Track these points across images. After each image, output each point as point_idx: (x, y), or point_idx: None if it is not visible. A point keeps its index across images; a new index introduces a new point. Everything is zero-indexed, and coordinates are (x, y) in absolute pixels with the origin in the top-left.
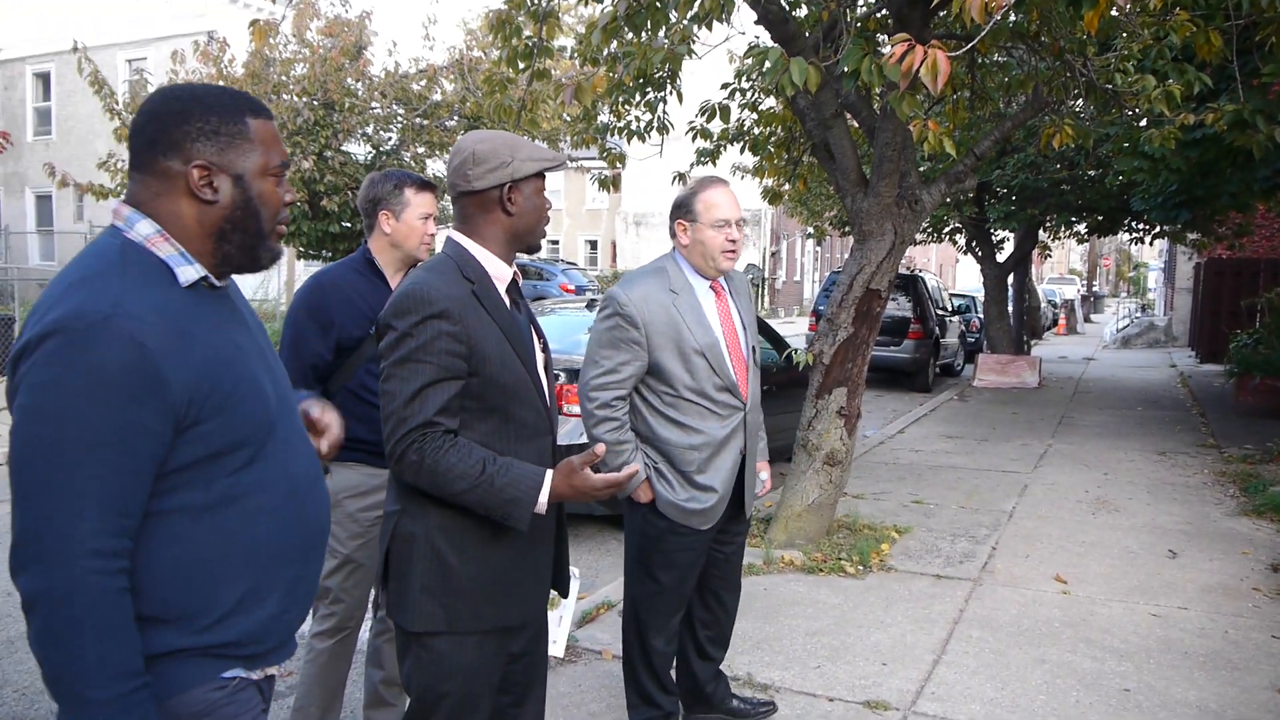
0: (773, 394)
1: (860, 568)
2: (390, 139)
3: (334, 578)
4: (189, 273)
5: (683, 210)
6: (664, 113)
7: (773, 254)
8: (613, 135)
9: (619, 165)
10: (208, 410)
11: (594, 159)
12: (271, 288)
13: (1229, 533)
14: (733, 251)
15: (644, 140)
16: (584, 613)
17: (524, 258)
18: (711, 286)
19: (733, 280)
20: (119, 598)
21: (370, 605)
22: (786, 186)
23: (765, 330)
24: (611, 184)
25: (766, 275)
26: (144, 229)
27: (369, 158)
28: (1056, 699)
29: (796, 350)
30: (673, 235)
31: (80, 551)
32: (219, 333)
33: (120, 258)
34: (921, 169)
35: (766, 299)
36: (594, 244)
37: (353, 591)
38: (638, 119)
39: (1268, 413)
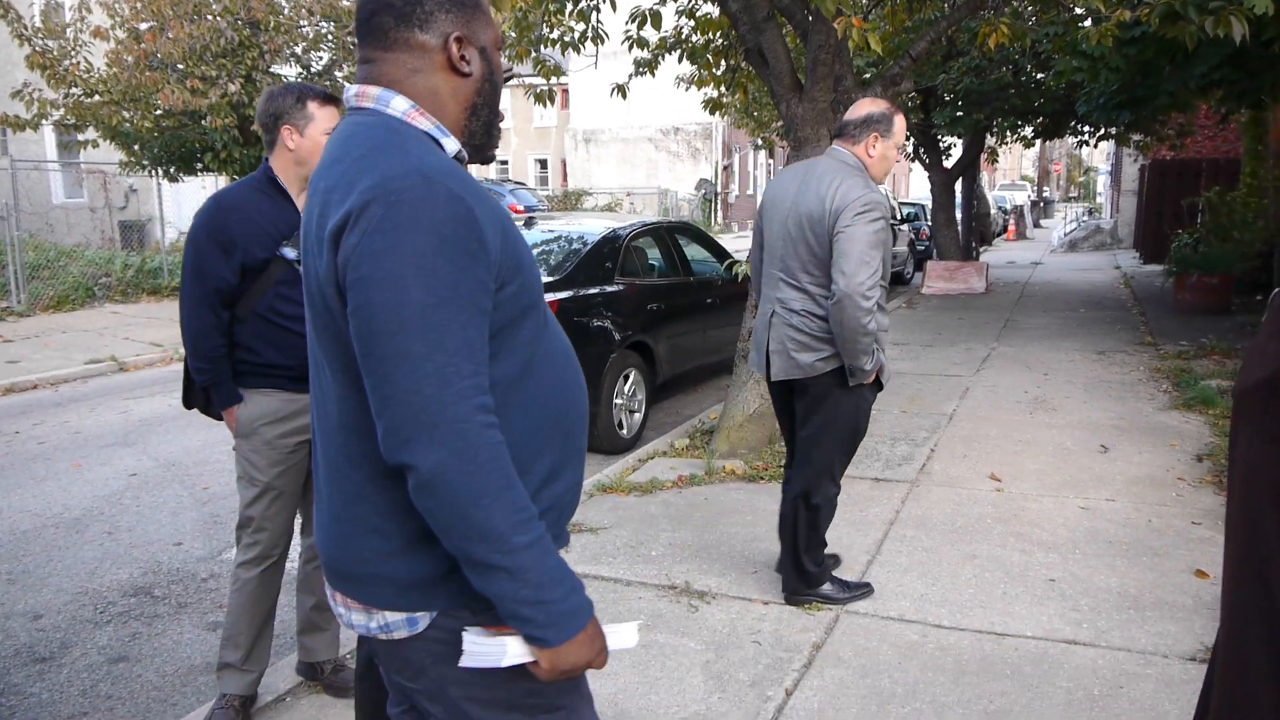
0: (718, 307)
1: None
2: (322, 59)
3: (255, 506)
4: (451, 144)
5: (883, 125)
6: (598, 22)
7: (724, 168)
8: (548, 47)
9: (555, 78)
10: (509, 270)
11: (534, 75)
12: None
13: (1160, 426)
14: None
15: (579, 51)
16: None
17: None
18: None
19: None
20: (505, 450)
21: (299, 532)
22: (728, 96)
23: (708, 242)
24: (548, 98)
25: (719, 190)
26: (400, 104)
27: (300, 80)
28: (984, 591)
29: (740, 262)
30: (854, 141)
31: (471, 408)
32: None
33: (390, 131)
34: (865, 76)
35: (719, 214)
36: (544, 163)
37: (275, 519)
38: (571, 29)
39: (1204, 310)
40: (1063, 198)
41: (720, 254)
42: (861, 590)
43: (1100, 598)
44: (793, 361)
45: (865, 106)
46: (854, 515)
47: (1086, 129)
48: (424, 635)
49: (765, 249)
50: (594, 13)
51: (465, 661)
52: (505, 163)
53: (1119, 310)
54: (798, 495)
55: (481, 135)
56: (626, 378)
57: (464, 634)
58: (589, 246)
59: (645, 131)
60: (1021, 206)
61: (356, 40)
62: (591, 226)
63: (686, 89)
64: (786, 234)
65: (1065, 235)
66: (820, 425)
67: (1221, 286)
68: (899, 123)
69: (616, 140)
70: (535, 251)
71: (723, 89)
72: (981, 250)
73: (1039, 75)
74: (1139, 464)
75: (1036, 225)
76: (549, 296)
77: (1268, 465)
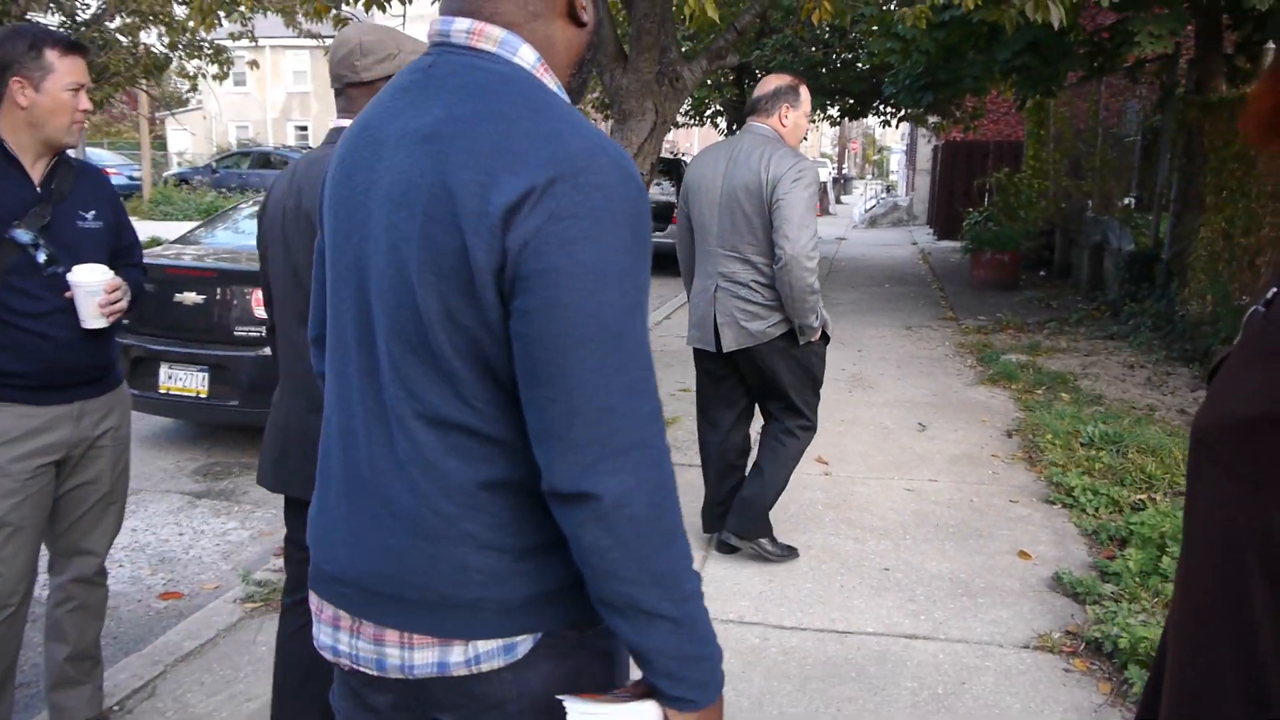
0: None
1: None
2: (89, 6)
3: None
4: None
5: (794, 95)
6: None
7: None
8: (348, 4)
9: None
10: None
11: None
12: None
13: (970, 402)
14: None
15: (384, 9)
16: None
17: (269, 145)
18: None
19: None
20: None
21: (45, 571)
22: None
23: None
24: None
25: None
26: (528, 55)
27: (64, 30)
28: (822, 585)
29: None
30: (768, 114)
31: (659, 431)
32: None
33: (541, 91)
34: (684, 49)
35: None
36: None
37: (12, 561)
38: None
39: (997, 285)
40: (859, 175)
41: None
42: (789, 552)
43: (934, 585)
44: (744, 331)
45: (772, 82)
46: (684, 506)
47: (889, 109)
48: (519, 663)
49: (696, 230)
50: None
51: None
52: (304, 128)
53: (921, 285)
54: (782, 430)
55: (576, 96)
56: None
57: (568, 704)
58: None
59: None
60: (825, 183)
61: None
62: None
63: None
64: (723, 210)
65: (866, 211)
66: (786, 385)
67: (1011, 263)
68: (804, 92)
69: None
70: None
71: None
72: None
73: (847, 56)
74: (955, 442)
75: (838, 201)
76: None
77: (1249, 513)
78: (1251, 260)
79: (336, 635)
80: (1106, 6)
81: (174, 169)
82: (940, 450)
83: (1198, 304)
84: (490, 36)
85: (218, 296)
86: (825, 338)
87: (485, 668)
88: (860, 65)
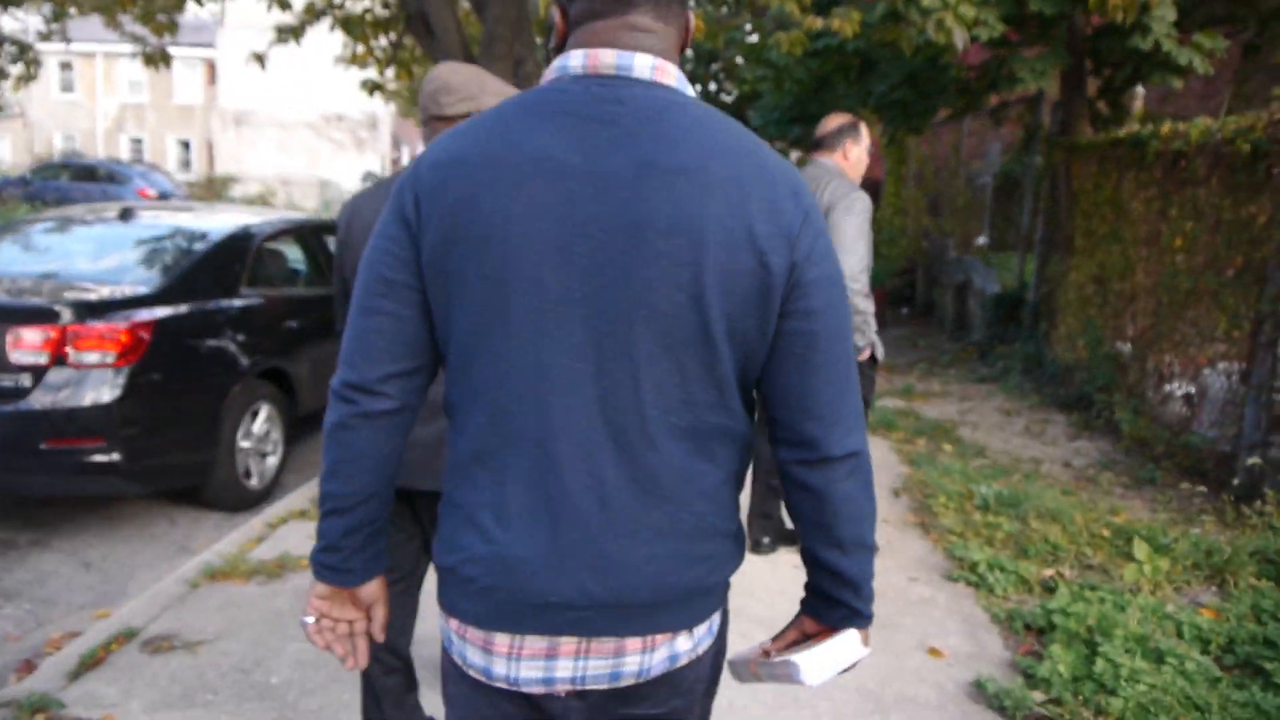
0: None
1: None
2: None
3: None
4: None
5: (854, 132)
6: None
7: (393, 160)
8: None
9: (167, 36)
10: None
11: (184, 44)
12: None
13: None
14: None
15: (200, 3)
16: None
17: (94, 158)
18: None
19: None
20: None
21: None
22: (391, 78)
23: None
24: (160, 59)
25: None
26: (689, 91)
27: None
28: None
29: None
30: (832, 149)
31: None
32: None
33: (731, 120)
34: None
35: None
36: (187, 144)
37: None
38: None
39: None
40: None
41: None
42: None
43: (839, 699)
44: None
45: (835, 120)
46: None
47: None
48: (714, 640)
49: None
50: None
51: (814, 678)
52: (139, 141)
53: None
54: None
55: None
56: (256, 414)
57: (800, 655)
58: (208, 248)
59: (305, 116)
60: None
61: None
62: (216, 222)
63: (346, 68)
64: None
65: None
66: None
67: (878, 300)
68: (863, 129)
69: (273, 124)
70: (134, 253)
71: (384, 68)
72: None
73: (712, 86)
74: None
75: None
76: (141, 314)
77: None
78: (1125, 306)
79: (551, 665)
80: (985, 42)
81: None
82: None
83: (1066, 347)
84: (670, 72)
85: None
86: (874, 360)
87: (701, 649)
88: (725, 96)
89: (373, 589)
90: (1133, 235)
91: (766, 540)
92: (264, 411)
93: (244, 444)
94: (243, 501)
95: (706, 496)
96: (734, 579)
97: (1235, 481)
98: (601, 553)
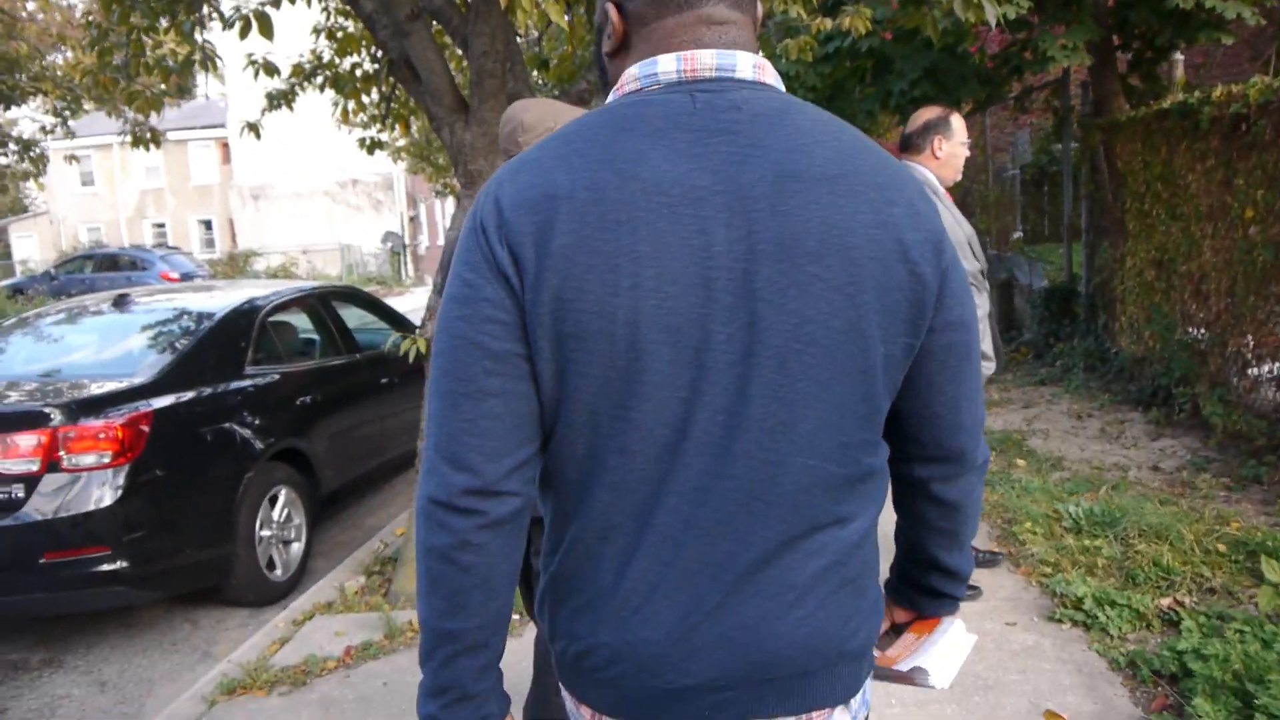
0: (397, 387)
1: (515, 619)
2: None
3: None
4: None
5: (943, 127)
6: (205, 41)
7: (411, 219)
8: (141, 74)
9: (154, 113)
10: None
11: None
12: None
13: None
14: None
15: (182, 79)
16: None
17: (116, 247)
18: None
19: None
20: None
21: None
22: (386, 134)
23: (378, 308)
24: (152, 140)
25: (407, 242)
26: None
27: None
28: None
29: (414, 336)
30: (919, 150)
31: None
32: None
33: (838, 119)
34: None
35: (410, 266)
36: (208, 224)
37: None
38: (173, 52)
39: None
40: None
41: (394, 320)
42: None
43: None
44: None
45: (922, 116)
46: None
47: None
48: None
49: None
50: (196, 28)
51: (944, 680)
52: (162, 225)
53: None
54: None
55: None
56: (275, 500)
57: (926, 660)
58: (209, 328)
59: (321, 184)
60: None
61: None
62: (217, 300)
63: (339, 126)
64: None
65: None
66: None
67: None
68: (955, 121)
69: (289, 195)
70: (131, 342)
71: (379, 124)
72: None
73: None
74: None
75: None
76: (139, 406)
77: None
78: (1195, 288)
79: None
80: (1009, 22)
81: (14, 278)
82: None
83: (1131, 339)
84: (770, 70)
85: None
86: None
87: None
88: None
89: None
90: (1193, 211)
91: None
92: (283, 496)
93: (264, 533)
94: (268, 595)
95: (852, 546)
96: None
97: None
98: (741, 624)
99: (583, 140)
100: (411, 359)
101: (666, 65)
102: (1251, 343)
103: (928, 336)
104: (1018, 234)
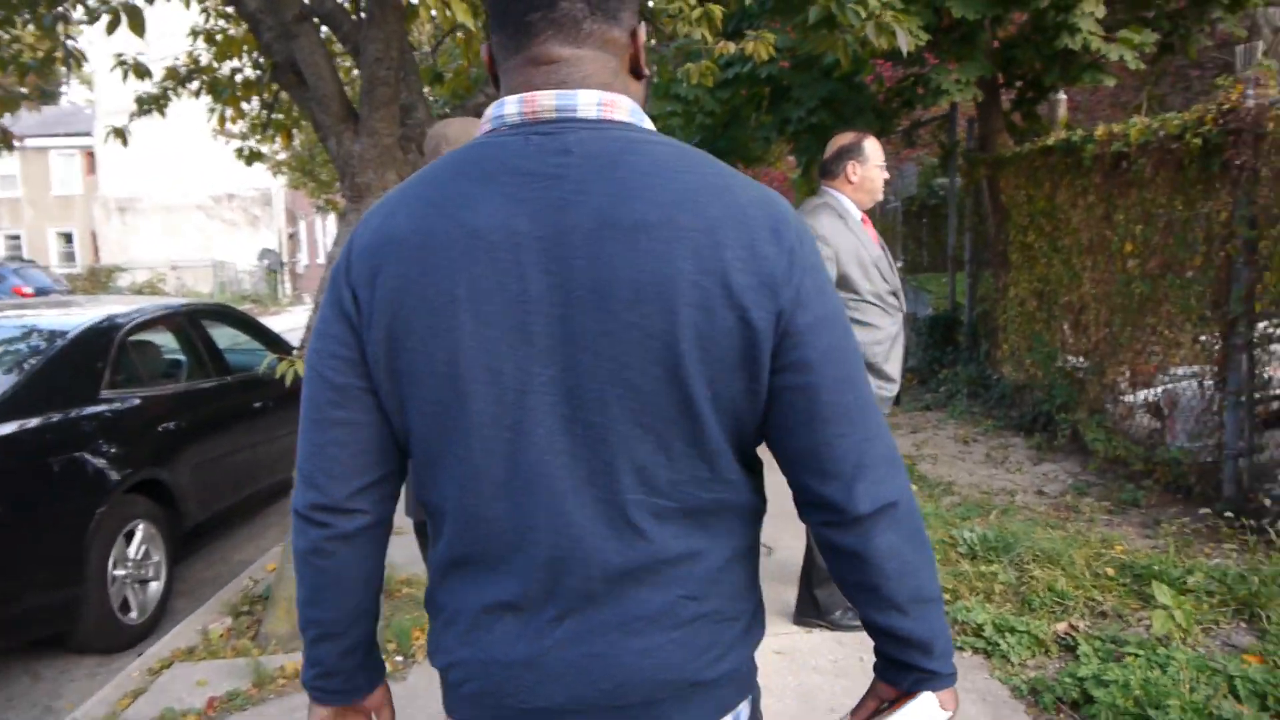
0: (271, 411)
1: (401, 659)
2: None
3: None
4: None
5: (855, 153)
6: (67, 37)
7: (290, 236)
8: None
9: (9, 114)
10: None
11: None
12: None
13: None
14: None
15: (43, 78)
16: None
17: None
18: (861, 217)
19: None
20: None
21: None
22: (265, 146)
23: (252, 328)
24: (3, 143)
25: (285, 260)
26: (648, 122)
27: None
28: None
29: (293, 357)
30: (835, 175)
31: None
32: None
33: (694, 153)
34: (446, 110)
35: (289, 285)
36: (69, 237)
37: None
38: (32, 49)
39: None
40: None
41: (270, 341)
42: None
43: None
44: None
45: (836, 142)
46: None
47: None
48: None
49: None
50: (58, 23)
51: None
52: (17, 238)
53: None
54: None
55: None
56: (131, 535)
57: None
58: (60, 348)
59: (194, 199)
60: None
61: (507, 28)
62: (70, 318)
63: (215, 136)
64: None
65: None
66: None
67: None
68: (868, 145)
69: (159, 209)
70: None
71: (259, 134)
72: None
73: None
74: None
75: None
76: None
77: None
78: (1075, 319)
79: None
80: (908, 54)
81: None
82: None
83: (1013, 366)
84: (621, 106)
85: None
86: None
87: None
88: None
89: (377, 697)
90: (1074, 244)
91: (839, 613)
92: (141, 531)
93: (118, 572)
94: (121, 640)
95: (706, 579)
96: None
97: (1223, 494)
98: (591, 652)
99: (424, 184)
100: (289, 382)
101: (511, 108)
102: (1128, 371)
103: (774, 378)
104: (899, 264)
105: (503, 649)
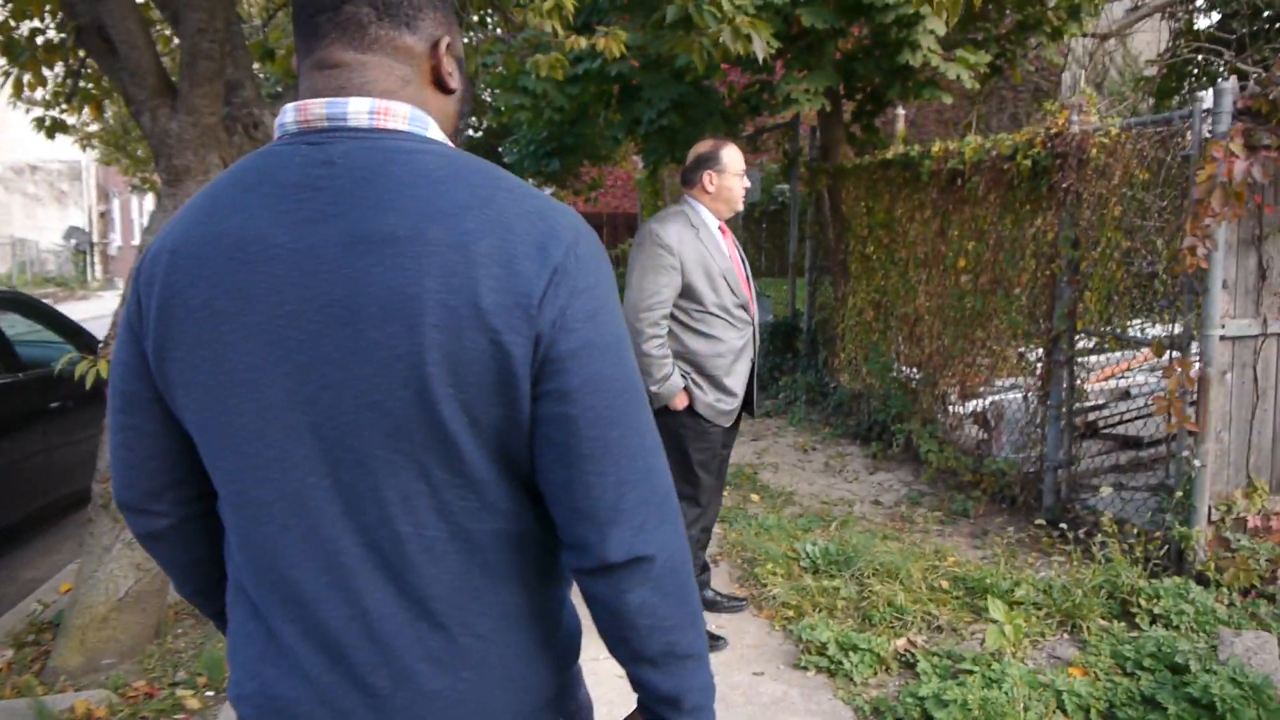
0: (70, 412)
1: (210, 695)
2: None
3: None
4: None
5: (712, 162)
6: None
7: (101, 214)
8: None
9: None
10: None
11: None
12: None
13: None
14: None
15: None
16: None
17: None
18: (720, 227)
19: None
20: None
21: None
22: (71, 118)
23: (53, 320)
24: None
25: (95, 240)
26: (436, 130)
27: None
28: None
29: (97, 356)
30: (693, 184)
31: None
32: None
33: (475, 165)
34: (278, 89)
35: (99, 267)
36: None
37: None
38: None
39: None
40: None
41: (70, 333)
42: (717, 642)
43: None
44: None
45: (695, 150)
46: None
47: None
48: None
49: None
50: None
51: None
52: None
53: None
54: None
55: None
56: None
57: None
58: None
59: None
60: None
61: (299, 30)
62: None
63: (13, 104)
64: None
65: None
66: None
67: None
68: (727, 153)
69: None
70: None
71: (64, 103)
72: None
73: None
74: None
75: None
76: None
77: None
78: (910, 330)
79: None
80: (761, 60)
81: None
82: None
83: (851, 375)
84: (398, 114)
85: None
86: (692, 412)
87: None
88: (471, 132)
89: None
90: (911, 257)
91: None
92: None
93: None
94: None
95: (494, 614)
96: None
97: (1044, 504)
98: (374, 693)
99: (204, 194)
100: (89, 384)
101: (288, 116)
102: (958, 383)
103: (535, 406)
104: None
105: (286, 684)
